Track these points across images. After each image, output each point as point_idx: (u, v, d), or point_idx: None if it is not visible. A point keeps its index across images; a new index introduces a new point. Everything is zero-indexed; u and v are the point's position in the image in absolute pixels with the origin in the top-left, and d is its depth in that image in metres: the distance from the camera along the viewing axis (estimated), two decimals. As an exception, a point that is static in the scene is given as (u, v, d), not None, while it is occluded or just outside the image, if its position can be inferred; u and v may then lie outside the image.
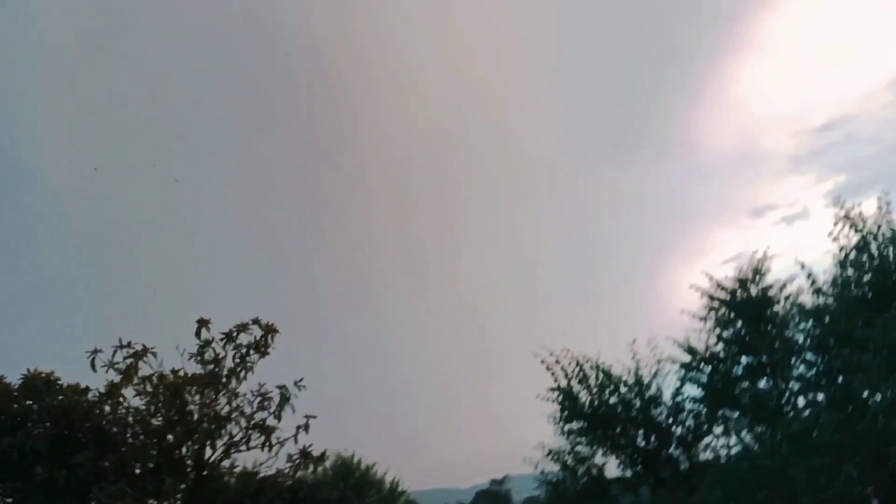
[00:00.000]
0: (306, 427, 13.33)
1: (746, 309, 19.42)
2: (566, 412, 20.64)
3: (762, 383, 19.10)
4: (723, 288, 19.93)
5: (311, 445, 13.40)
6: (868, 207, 16.61)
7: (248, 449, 13.35)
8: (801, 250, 36.25)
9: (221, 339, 13.41)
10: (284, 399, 13.41)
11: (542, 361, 20.81)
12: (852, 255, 16.51)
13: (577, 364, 20.73)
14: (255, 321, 13.54)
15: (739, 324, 19.62)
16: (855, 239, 16.49)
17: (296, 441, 13.32)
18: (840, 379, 16.43)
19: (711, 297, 20.03)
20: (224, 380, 13.37)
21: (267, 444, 13.26)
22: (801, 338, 17.56)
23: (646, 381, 20.26)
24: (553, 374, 20.82)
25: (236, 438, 13.26)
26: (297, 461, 13.40)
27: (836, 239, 16.76)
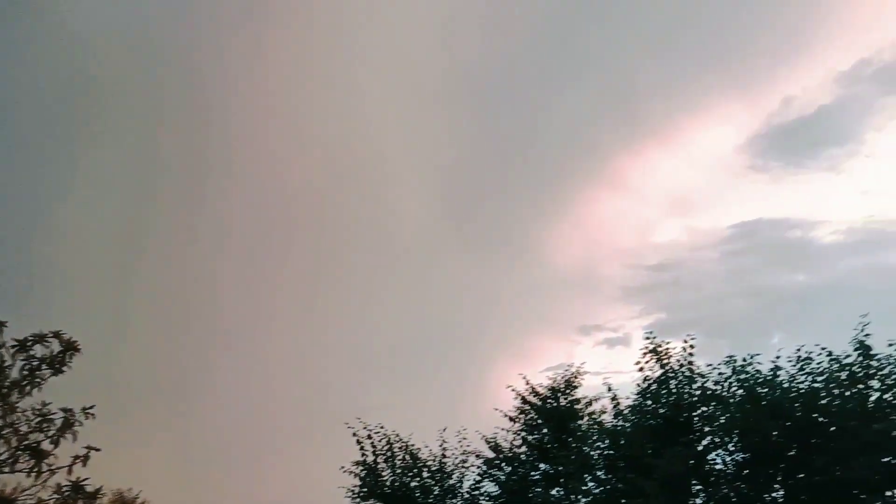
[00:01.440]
0: (85, 459, 12.34)
1: (553, 418, 20.43)
2: (366, 489, 20.49)
3: (554, 492, 19.95)
4: (536, 394, 20.93)
5: (86, 479, 12.42)
6: (676, 347, 18.05)
7: (13, 472, 12.14)
8: (613, 374, 38.68)
9: (14, 346, 12.33)
10: (67, 424, 12.40)
11: (354, 434, 20.70)
12: (653, 387, 17.79)
13: (388, 442, 20.77)
14: (56, 334, 12.55)
15: (545, 430, 20.57)
16: (658, 373, 17.82)
17: (70, 472, 12.29)
18: (623, 501, 17.45)
19: (524, 400, 20.97)
20: (4, 391, 12.21)
21: (36, 469, 12.14)
22: (595, 455, 18.50)
23: (448, 469, 20.60)
24: (362, 448, 20.71)
25: (1, 457, 12.06)
26: (66, 494, 12.33)
27: (641, 369, 18.03)
